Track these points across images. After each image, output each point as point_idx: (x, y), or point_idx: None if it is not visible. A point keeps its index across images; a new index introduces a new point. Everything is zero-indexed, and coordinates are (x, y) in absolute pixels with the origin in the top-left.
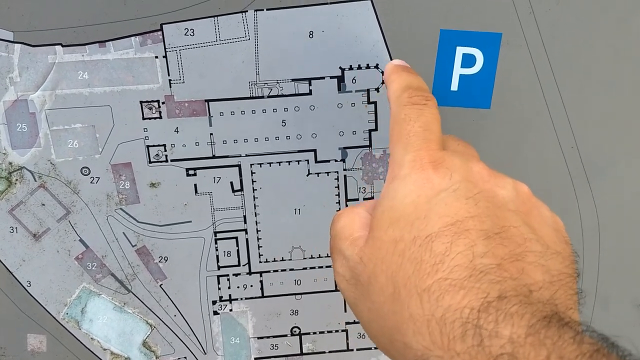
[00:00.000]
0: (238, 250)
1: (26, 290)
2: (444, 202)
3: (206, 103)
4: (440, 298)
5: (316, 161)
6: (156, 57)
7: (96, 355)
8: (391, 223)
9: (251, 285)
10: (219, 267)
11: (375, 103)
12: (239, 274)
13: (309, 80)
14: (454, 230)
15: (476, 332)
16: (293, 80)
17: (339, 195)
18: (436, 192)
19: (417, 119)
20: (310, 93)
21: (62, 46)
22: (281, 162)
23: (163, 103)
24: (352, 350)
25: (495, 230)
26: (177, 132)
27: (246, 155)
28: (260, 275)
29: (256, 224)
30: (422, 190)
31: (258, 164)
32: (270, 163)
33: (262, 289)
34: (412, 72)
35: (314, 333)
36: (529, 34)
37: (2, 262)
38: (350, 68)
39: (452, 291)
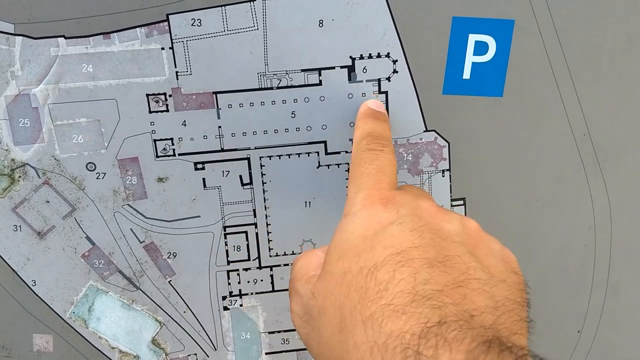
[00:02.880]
0: (248, 245)
1: (31, 289)
2: (390, 234)
3: (214, 95)
4: (383, 324)
5: (326, 153)
6: (162, 48)
7: (104, 354)
8: (340, 256)
9: (261, 280)
10: (228, 262)
11: (386, 93)
12: (249, 269)
13: (319, 70)
14: (398, 259)
15: (416, 358)
16: (302, 70)
17: None
18: (383, 225)
19: (371, 162)
20: (320, 83)
21: (65, 38)
22: (291, 154)
23: (170, 96)
24: None
25: (439, 259)
26: (185, 125)
27: (255, 148)
28: (271, 270)
29: (266, 218)
30: (371, 225)
31: (267, 156)
32: (279, 156)
33: (272, 283)
34: (380, 118)
35: None
36: (542, 21)
37: (6, 262)
38: (361, 57)
39: (395, 317)
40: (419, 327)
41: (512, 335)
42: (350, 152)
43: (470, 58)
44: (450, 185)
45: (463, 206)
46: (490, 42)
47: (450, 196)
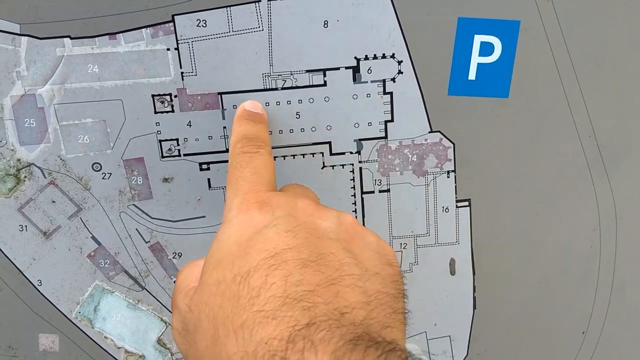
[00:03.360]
0: None
1: (37, 289)
2: (264, 237)
3: (219, 96)
4: (254, 332)
5: (331, 153)
6: (168, 49)
7: (110, 354)
8: (215, 266)
9: None
10: None
11: (391, 93)
12: None
13: (324, 71)
14: (271, 262)
15: None
16: (307, 71)
17: (354, 187)
18: (258, 229)
19: (246, 165)
20: (324, 84)
21: (71, 38)
22: (295, 154)
23: (175, 96)
24: None
25: (312, 259)
26: (190, 125)
27: None
28: None
29: None
30: (245, 230)
31: (273, 157)
32: (284, 156)
33: None
34: (256, 120)
35: None
36: (548, 22)
37: (11, 262)
38: (366, 58)
39: (265, 323)
40: (287, 332)
41: (384, 329)
42: (355, 152)
43: (475, 59)
44: (456, 186)
45: (468, 207)
46: (496, 42)
47: (456, 197)
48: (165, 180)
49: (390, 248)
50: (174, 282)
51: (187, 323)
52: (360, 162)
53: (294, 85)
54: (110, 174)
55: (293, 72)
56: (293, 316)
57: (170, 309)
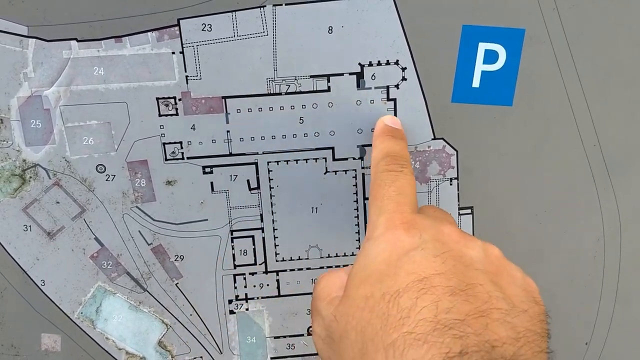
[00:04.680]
0: (254, 249)
1: (40, 289)
2: (412, 260)
3: (223, 100)
4: (404, 352)
5: (334, 159)
6: (173, 52)
7: (111, 355)
8: (362, 281)
9: (267, 285)
10: (235, 266)
11: (394, 100)
12: (256, 273)
13: (328, 76)
14: (420, 286)
15: None
16: (311, 76)
17: (356, 193)
18: (406, 251)
19: (391, 184)
20: (328, 90)
21: (77, 41)
22: (298, 159)
23: (180, 100)
24: None
25: (461, 287)
26: (194, 129)
27: (263, 153)
28: (277, 274)
29: (273, 223)
30: (393, 250)
31: (275, 161)
32: (287, 161)
33: (278, 288)
34: (397, 136)
35: None
36: (553, 30)
37: (15, 261)
38: (370, 64)
39: (416, 345)
40: (440, 357)
41: None
42: (357, 158)
43: (479, 66)
44: (458, 193)
45: (471, 215)
46: (501, 50)
47: (458, 205)
48: (169, 183)
49: (535, 285)
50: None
51: (332, 332)
52: (363, 168)
53: (297, 90)
54: (114, 175)
55: (297, 77)
56: (444, 343)
57: (170, 311)
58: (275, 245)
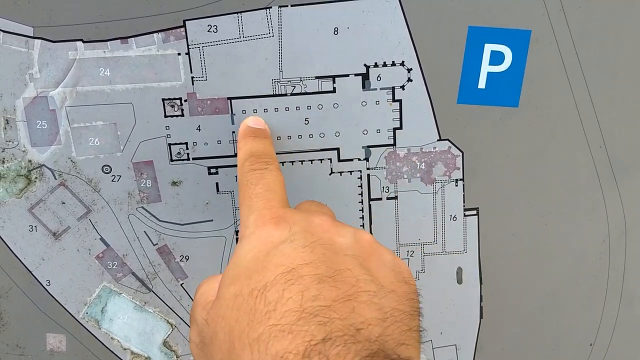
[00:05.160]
0: None
1: (45, 289)
2: (281, 252)
3: (229, 101)
4: (269, 346)
5: (339, 160)
6: (179, 53)
7: (116, 355)
8: (233, 280)
9: None
10: None
11: (400, 101)
12: None
13: (333, 77)
14: (288, 277)
15: None
16: (317, 77)
17: (362, 194)
18: (275, 245)
19: (257, 182)
20: (334, 91)
21: (83, 42)
22: (304, 160)
23: (185, 100)
24: None
25: (329, 274)
26: (199, 130)
27: None
28: None
29: None
30: (263, 245)
31: (280, 162)
32: (292, 162)
33: None
34: (260, 135)
35: None
36: (559, 32)
37: (21, 261)
38: (376, 65)
39: (281, 337)
40: (303, 346)
41: (399, 346)
42: (363, 159)
43: (485, 68)
44: (464, 194)
45: (476, 216)
46: (507, 52)
47: (464, 206)
48: (174, 183)
49: (407, 266)
50: (189, 293)
51: (204, 336)
52: (368, 169)
53: (303, 91)
54: (120, 176)
55: (302, 78)
56: (309, 331)
57: (175, 311)
58: None
